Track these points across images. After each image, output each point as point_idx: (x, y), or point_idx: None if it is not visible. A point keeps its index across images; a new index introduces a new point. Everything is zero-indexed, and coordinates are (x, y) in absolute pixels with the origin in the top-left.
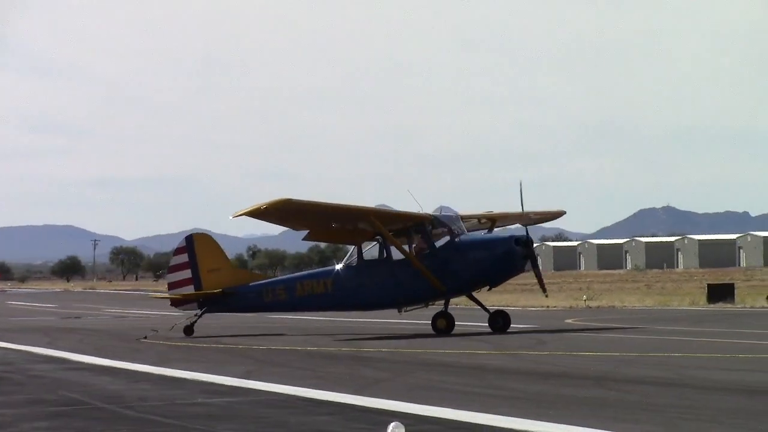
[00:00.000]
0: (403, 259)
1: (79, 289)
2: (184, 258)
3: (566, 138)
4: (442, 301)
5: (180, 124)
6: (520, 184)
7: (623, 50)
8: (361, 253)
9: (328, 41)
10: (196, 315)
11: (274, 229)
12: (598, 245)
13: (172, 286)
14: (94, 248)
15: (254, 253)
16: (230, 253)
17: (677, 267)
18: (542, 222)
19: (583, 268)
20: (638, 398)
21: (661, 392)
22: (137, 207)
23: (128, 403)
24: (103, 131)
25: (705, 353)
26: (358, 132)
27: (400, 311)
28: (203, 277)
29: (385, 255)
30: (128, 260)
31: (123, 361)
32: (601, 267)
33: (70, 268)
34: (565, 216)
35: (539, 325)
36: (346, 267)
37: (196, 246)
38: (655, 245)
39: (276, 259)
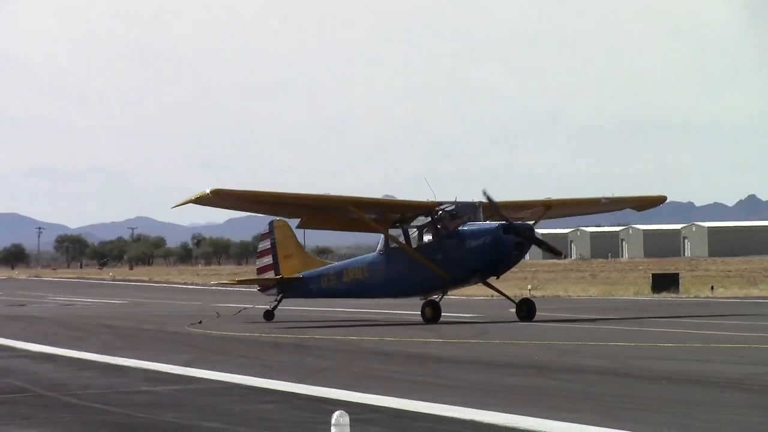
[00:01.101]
0: (424, 248)
1: (24, 277)
2: (267, 244)
3: (509, 128)
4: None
5: (124, 114)
6: (485, 193)
7: (565, 41)
8: (388, 242)
9: (264, 31)
10: (276, 300)
11: (219, 218)
12: (543, 235)
13: (259, 271)
14: (39, 236)
15: (198, 241)
16: (175, 242)
17: (622, 257)
18: (622, 207)
19: (527, 257)
20: (580, 387)
21: (603, 381)
22: (82, 195)
23: (72, 391)
24: (47, 121)
25: (647, 343)
26: (296, 121)
27: (423, 299)
28: (281, 263)
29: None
30: (73, 248)
31: (67, 349)
32: (546, 257)
33: (14, 256)
34: None
35: (484, 314)
36: (377, 255)
37: (276, 232)
38: (599, 235)
39: (220, 248)
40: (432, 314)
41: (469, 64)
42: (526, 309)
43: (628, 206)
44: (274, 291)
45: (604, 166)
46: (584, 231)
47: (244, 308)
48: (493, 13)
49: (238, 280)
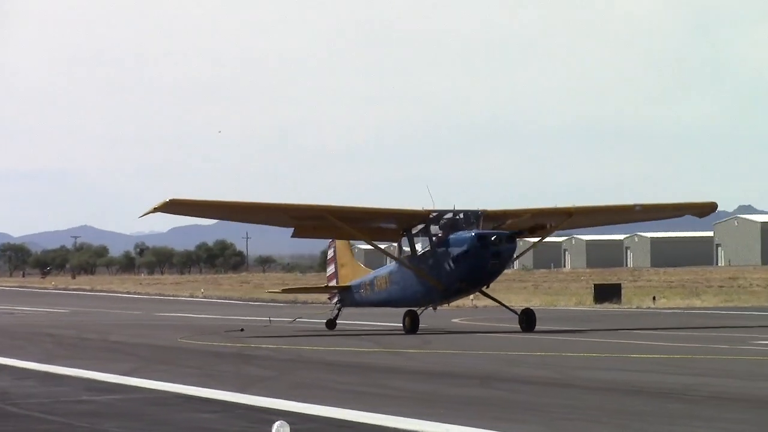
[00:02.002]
0: (419, 258)
1: None
2: (331, 252)
3: (454, 135)
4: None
5: (66, 119)
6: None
7: (512, 47)
8: (401, 251)
9: (214, 36)
10: (337, 309)
11: (163, 227)
12: None
13: (327, 279)
14: None
15: (142, 250)
16: (118, 250)
17: (565, 267)
18: (662, 218)
19: None
20: (523, 398)
21: (546, 392)
22: (24, 203)
23: (14, 400)
24: None
25: (590, 353)
26: (244, 127)
27: (434, 309)
28: (338, 272)
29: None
30: (15, 257)
31: (8, 357)
32: None
33: None
34: None
35: (426, 324)
36: (395, 265)
37: (336, 240)
38: (542, 245)
39: (164, 257)
40: (410, 324)
41: (427, 71)
42: (526, 319)
43: (678, 213)
44: (336, 299)
45: (544, 174)
46: (527, 241)
47: (270, 321)
48: (451, 19)
49: (283, 290)
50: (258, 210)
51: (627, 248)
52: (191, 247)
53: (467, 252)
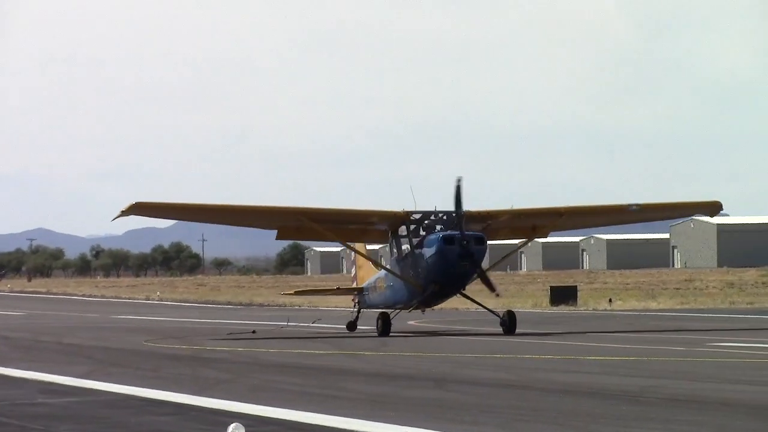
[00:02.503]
0: (403, 260)
1: None
2: (352, 254)
3: (405, 138)
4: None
5: (21, 122)
6: (458, 182)
7: (459, 51)
8: (393, 253)
9: (169, 37)
10: (356, 311)
11: (118, 229)
12: None
13: (351, 281)
14: None
15: (97, 253)
16: (73, 253)
17: (521, 269)
18: (662, 218)
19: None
20: (478, 400)
21: (501, 394)
22: None
23: None
24: None
25: (546, 355)
26: (197, 129)
27: (422, 311)
28: (357, 273)
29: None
30: None
31: None
32: None
33: None
34: None
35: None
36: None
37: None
38: (498, 247)
39: (119, 259)
40: (382, 327)
41: (373, 73)
42: (509, 322)
43: (680, 214)
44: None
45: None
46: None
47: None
48: (399, 22)
49: (295, 291)
50: (234, 213)
51: (583, 250)
52: (147, 250)
53: (436, 254)
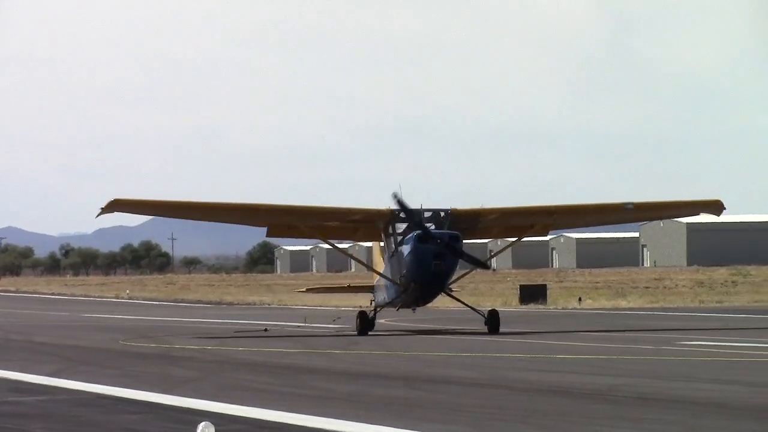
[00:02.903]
0: (390, 259)
1: None
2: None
3: (379, 136)
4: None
5: None
6: (395, 197)
7: (435, 50)
8: (386, 250)
9: (136, 37)
10: (373, 309)
11: (88, 228)
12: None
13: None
14: None
15: (67, 252)
16: (43, 251)
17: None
18: (660, 218)
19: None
20: (448, 399)
21: (471, 393)
22: None
23: None
24: None
25: (516, 354)
26: (165, 129)
27: (413, 310)
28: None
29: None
30: None
31: None
32: None
33: None
34: None
35: (351, 325)
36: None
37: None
38: (467, 246)
39: (88, 258)
40: (360, 325)
41: (339, 73)
42: (492, 321)
43: (680, 213)
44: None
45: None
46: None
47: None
48: (364, 22)
49: (307, 289)
50: (223, 210)
51: (553, 249)
52: (116, 249)
53: (411, 253)
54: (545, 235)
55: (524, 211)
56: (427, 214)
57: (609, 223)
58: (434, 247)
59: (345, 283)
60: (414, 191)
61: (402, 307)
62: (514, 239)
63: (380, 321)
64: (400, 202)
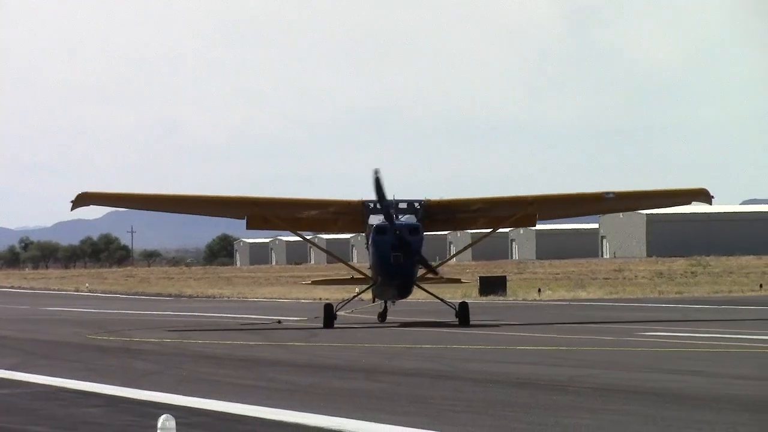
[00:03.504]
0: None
1: None
2: None
3: (339, 130)
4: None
5: None
6: (376, 174)
7: (395, 43)
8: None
9: (96, 33)
10: (384, 303)
11: (47, 221)
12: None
13: None
14: None
15: (26, 245)
16: (2, 245)
17: (450, 259)
18: (644, 207)
19: (355, 260)
20: (408, 390)
21: (433, 384)
22: None
23: None
24: None
25: (476, 345)
26: (125, 123)
27: (393, 303)
28: None
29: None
30: None
31: None
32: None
33: None
34: None
35: (311, 317)
36: None
37: None
38: (426, 238)
39: (48, 251)
40: (324, 318)
41: (300, 66)
42: (462, 313)
43: (666, 203)
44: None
45: (432, 167)
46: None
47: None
48: (328, 15)
49: (313, 281)
50: (200, 203)
51: (512, 240)
52: (76, 242)
53: (372, 245)
54: (533, 225)
55: (501, 202)
56: (402, 206)
57: (592, 214)
58: (392, 239)
59: (348, 275)
60: (399, 182)
61: (380, 298)
62: (488, 231)
63: (344, 314)
64: (378, 180)
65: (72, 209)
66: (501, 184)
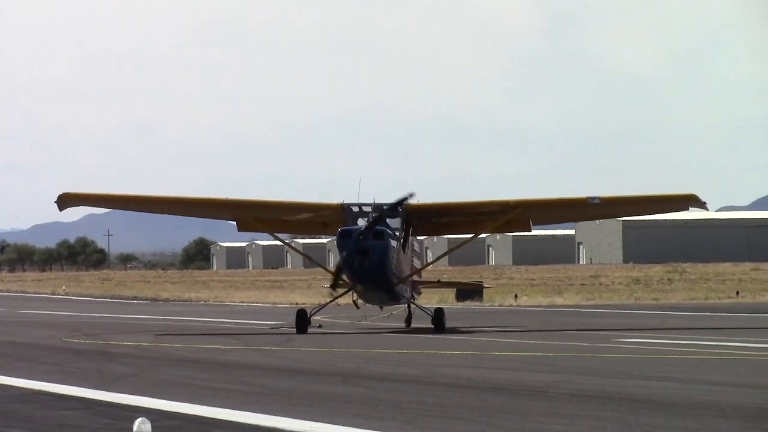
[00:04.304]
0: None
1: None
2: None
3: (317, 132)
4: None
5: None
6: (409, 195)
7: (374, 46)
8: None
9: (72, 34)
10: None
11: (24, 224)
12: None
13: None
14: None
15: (3, 248)
16: None
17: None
18: (633, 213)
19: (332, 264)
20: (385, 395)
21: (408, 389)
22: None
23: None
24: None
25: (452, 351)
26: (99, 124)
27: (381, 308)
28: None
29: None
30: None
31: None
32: None
33: None
34: None
35: (287, 322)
36: None
37: None
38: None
39: (25, 254)
40: (296, 324)
41: (277, 68)
42: (437, 319)
43: (656, 209)
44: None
45: (410, 169)
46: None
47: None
48: (306, 16)
49: (330, 285)
50: (188, 205)
51: (489, 246)
52: (52, 245)
53: (339, 249)
54: (529, 230)
55: (481, 206)
56: (366, 209)
57: (578, 220)
58: (353, 243)
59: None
60: (351, 187)
61: (368, 303)
62: (468, 236)
63: (321, 318)
64: (404, 199)
65: (60, 210)
66: (481, 187)
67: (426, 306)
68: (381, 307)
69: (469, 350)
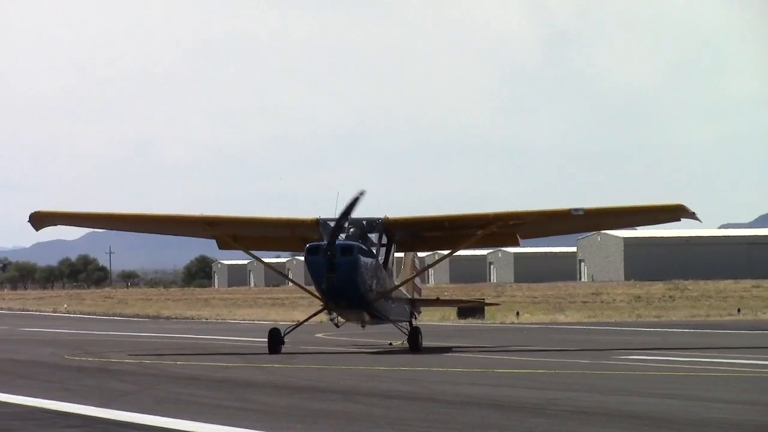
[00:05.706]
0: None
1: None
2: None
3: (313, 149)
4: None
5: None
6: (359, 194)
7: (371, 63)
8: None
9: (69, 52)
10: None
11: (26, 242)
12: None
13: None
14: None
15: (5, 266)
16: None
17: (428, 282)
18: (615, 226)
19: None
20: (386, 412)
21: (409, 406)
22: None
23: None
24: None
25: (453, 368)
26: (98, 141)
27: (362, 327)
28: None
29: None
30: None
31: None
32: None
33: None
34: None
35: (290, 339)
36: None
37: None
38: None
39: (26, 272)
40: (269, 343)
41: (274, 86)
42: (412, 338)
43: (644, 220)
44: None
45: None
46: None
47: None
48: (303, 34)
49: None
50: (159, 222)
51: (490, 263)
52: (54, 263)
53: (307, 265)
54: (518, 244)
55: (463, 219)
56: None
57: (565, 233)
58: (323, 260)
59: None
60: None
61: (348, 321)
62: (447, 252)
63: (318, 335)
64: (355, 200)
65: (37, 230)
66: (477, 204)
67: (428, 323)
68: (362, 326)
69: (469, 367)
